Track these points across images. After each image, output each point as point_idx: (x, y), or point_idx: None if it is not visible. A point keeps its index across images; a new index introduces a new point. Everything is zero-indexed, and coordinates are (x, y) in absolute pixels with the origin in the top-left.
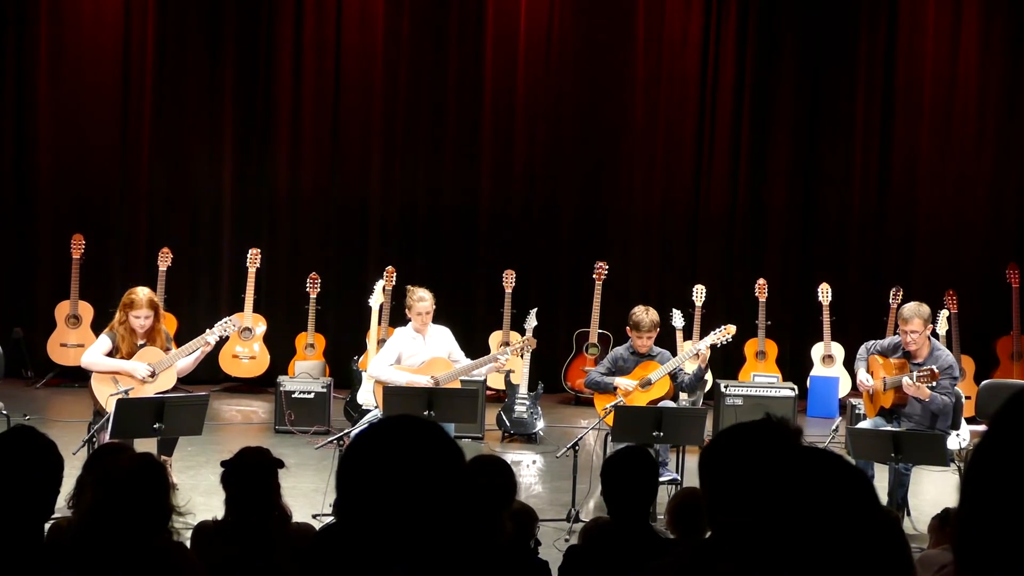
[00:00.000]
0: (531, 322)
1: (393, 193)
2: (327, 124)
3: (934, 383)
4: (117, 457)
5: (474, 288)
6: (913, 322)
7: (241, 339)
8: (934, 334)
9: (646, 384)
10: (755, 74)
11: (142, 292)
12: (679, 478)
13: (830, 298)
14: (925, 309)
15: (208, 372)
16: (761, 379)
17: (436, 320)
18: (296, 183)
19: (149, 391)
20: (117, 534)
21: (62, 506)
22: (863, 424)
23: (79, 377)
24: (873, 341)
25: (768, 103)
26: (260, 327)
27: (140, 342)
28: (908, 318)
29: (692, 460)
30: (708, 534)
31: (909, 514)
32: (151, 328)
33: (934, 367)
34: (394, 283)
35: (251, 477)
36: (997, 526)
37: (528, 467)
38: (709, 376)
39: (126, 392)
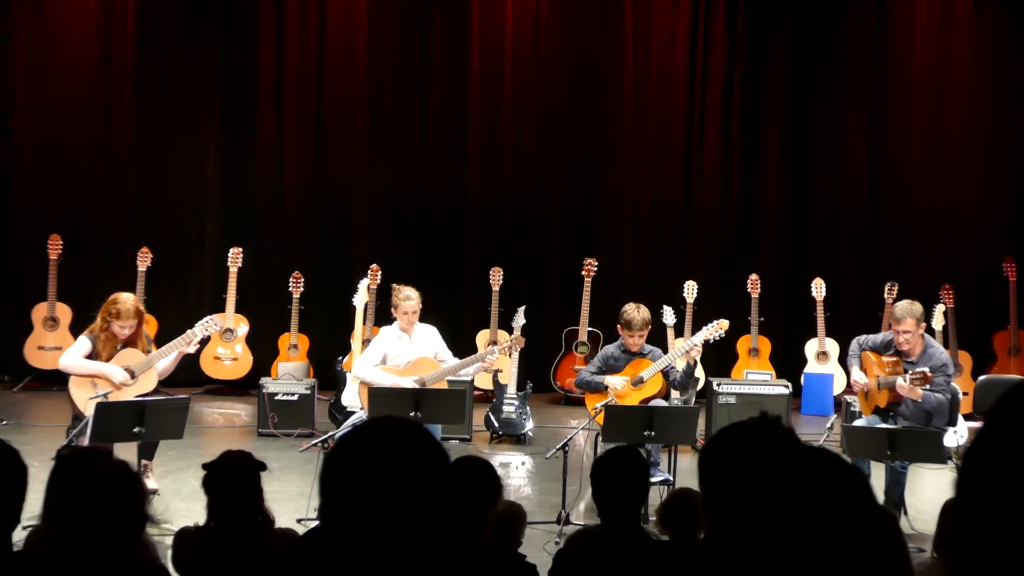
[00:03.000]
0: (519, 320)
1: (378, 189)
2: (311, 119)
3: (927, 385)
4: (86, 464)
5: (461, 286)
6: (905, 322)
7: (223, 340)
8: (929, 330)
9: (638, 382)
10: (745, 67)
11: (128, 301)
12: (671, 479)
13: (824, 293)
14: (917, 308)
15: (189, 374)
16: (754, 376)
17: (422, 319)
18: (279, 180)
19: (129, 394)
20: (89, 547)
21: (38, 512)
22: (859, 422)
23: (57, 381)
24: (865, 336)
25: (758, 96)
26: (242, 328)
27: (120, 345)
28: (900, 318)
29: (684, 460)
30: (702, 535)
31: (906, 513)
32: (133, 333)
33: (927, 370)
34: (379, 281)
35: (233, 481)
36: (994, 523)
37: (517, 469)
38: (701, 374)
39: (105, 395)
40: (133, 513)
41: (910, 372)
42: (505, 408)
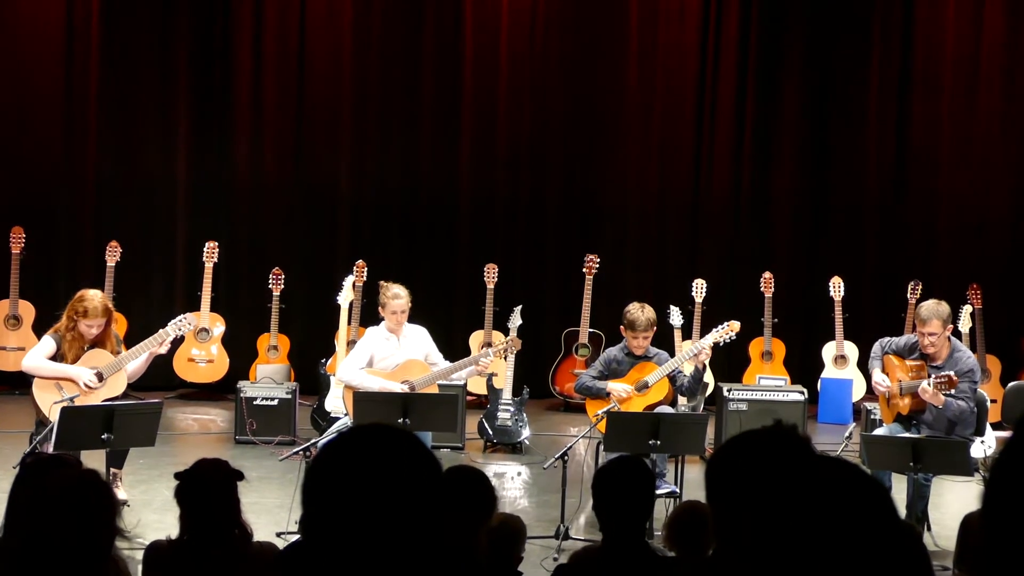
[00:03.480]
0: (515, 321)
1: (364, 181)
2: (291, 105)
3: (952, 390)
4: (52, 474)
5: (453, 284)
6: (931, 323)
7: (197, 341)
8: (956, 332)
9: (643, 387)
10: (760, 49)
11: (96, 298)
12: (678, 491)
13: (843, 293)
14: (944, 308)
15: (162, 378)
16: (767, 382)
17: (412, 319)
18: (257, 170)
19: (97, 398)
20: (55, 563)
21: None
22: (879, 431)
23: (20, 384)
24: (889, 338)
25: (774, 80)
26: (218, 328)
27: (87, 345)
28: (926, 319)
29: (692, 471)
30: (712, 551)
31: (930, 528)
32: (102, 333)
33: (952, 373)
34: (365, 279)
35: (208, 491)
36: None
37: (512, 479)
38: (710, 379)
39: (71, 399)
40: (102, 526)
41: (934, 376)
42: (500, 415)
